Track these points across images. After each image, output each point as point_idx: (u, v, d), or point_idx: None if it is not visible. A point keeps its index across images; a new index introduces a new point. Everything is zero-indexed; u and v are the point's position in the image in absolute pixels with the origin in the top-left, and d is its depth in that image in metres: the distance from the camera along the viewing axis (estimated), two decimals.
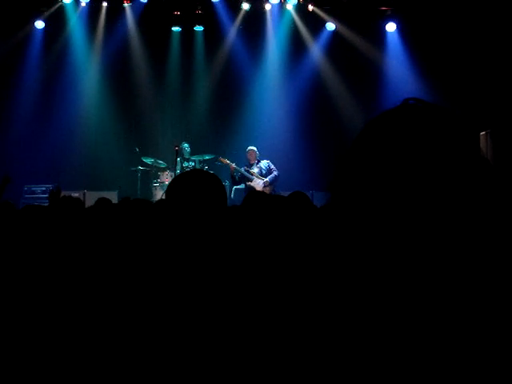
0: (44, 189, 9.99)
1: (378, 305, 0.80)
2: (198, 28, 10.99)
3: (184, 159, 9.71)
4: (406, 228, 0.78)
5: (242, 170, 9.22)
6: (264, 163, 9.30)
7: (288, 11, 10.90)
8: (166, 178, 9.56)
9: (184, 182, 1.79)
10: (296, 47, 11.03)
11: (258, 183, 9.02)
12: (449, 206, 0.77)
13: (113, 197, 8.85)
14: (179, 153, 9.64)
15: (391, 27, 10.71)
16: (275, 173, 9.23)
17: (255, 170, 9.23)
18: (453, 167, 0.78)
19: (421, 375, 0.76)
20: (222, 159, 9.26)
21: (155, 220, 2.92)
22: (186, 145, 9.78)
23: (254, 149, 9.30)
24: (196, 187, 1.75)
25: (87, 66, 10.99)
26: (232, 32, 11.02)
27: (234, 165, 9.16)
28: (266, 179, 9.13)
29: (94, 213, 3.55)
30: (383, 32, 10.82)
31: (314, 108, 10.92)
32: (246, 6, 10.72)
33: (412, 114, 0.83)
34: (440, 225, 0.77)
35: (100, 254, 2.49)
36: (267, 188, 8.96)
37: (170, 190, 1.79)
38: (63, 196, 4.00)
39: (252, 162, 9.28)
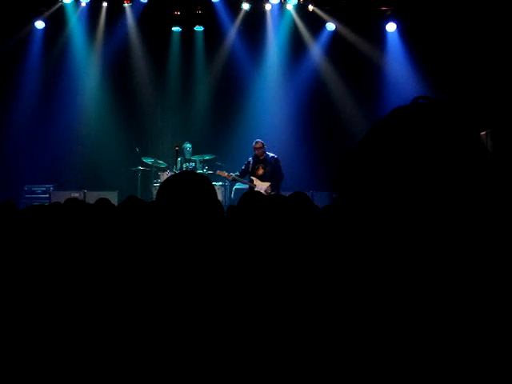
0: (44, 189, 10.00)
1: (380, 305, 0.80)
2: (198, 28, 10.99)
3: (185, 159, 9.72)
4: (416, 229, 0.78)
5: (240, 178, 9.16)
6: (271, 159, 9.07)
7: (288, 11, 10.90)
8: (166, 178, 9.53)
9: (174, 184, 1.80)
10: (296, 47, 11.02)
11: (260, 189, 8.86)
12: (459, 205, 0.77)
13: (113, 197, 8.86)
14: (181, 152, 9.64)
15: (391, 27, 10.71)
16: (279, 176, 9.05)
17: (260, 171, 9.09)
18: (464, 166, 0.78)
19: (421, 375, 0.76)
20: (219, 172, 9.15)
21: (147, 221, 2.93)
22: (188, 145, 9.78)
23: (260, 141, 9.05)
24: (186, 189, 1.77)
25: (87, 66, 10.99)
26: (232, 32, 11.02)
27: (232, 175, 9.13)
28: (268, 186, 8.97)
29: (93, 213, 3.55)
30: (383, 32, 10.81)
31: (314, 108, 10.91)
32: (246, 6, 10.72)
33: (422, 113, 0.83)
34: (448, 226, 0.77)
35: (99, 254, 2.50)
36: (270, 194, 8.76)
37: (160, 191, 1.81)
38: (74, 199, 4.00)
39: (261, 157, 9.04)
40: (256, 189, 8.79)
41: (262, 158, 9.05)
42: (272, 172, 9.00)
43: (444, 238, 0.77)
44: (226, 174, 9.11)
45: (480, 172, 0.78)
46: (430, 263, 0.77)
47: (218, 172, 9.18)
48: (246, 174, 9.16)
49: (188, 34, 11.10)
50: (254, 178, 9.04)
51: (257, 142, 9.06)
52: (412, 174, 0.78)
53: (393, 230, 0.79)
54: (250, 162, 9.12)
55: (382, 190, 0.80)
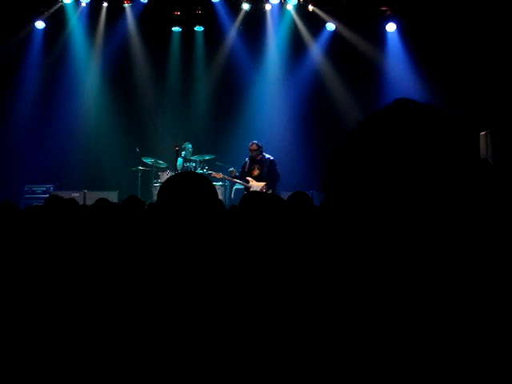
0: (44, 189, 10.00)
1: (375, 305, 0.80)
2: (199, 28, 11.00)
3: (185, 159, 9.73)
4: (397, 227, 0.78)
5: (234, 179, 9.21)
6: (267, 160, 9.12)
7: (288, 11, 10.90)
8: (166, 178, 9.52)
9: (174, 184, 1.81)
10: (296, 47, 11.03)
11: (256, 189, 8.92)
12: (438, 205, 0.77)
13: (113, 197, 8.86)
14: (181, 153, 9.65)
15: (391, 27, 10.72)
16: (275, 176, 9.10)
17: (256, 172, 9.13)
18: (442, 166, 0.78)
19: (421, 375, 0.76)
20: (215, 174, 9.18)
21: (148, 222, 2.93)
22: (189, 145, 9.80)
23: (255, 143, 9.08)
24: (186, 189, 1.77)
25: (87, 66, 10.99)
26: (232, 32, 11.02)
27: (227, 177, 9.20)
28: (263, 185, 8.99)
29: (92, 213, 3.56)
30: (383, 32, 10.82)
31: (314, 108, 10.92)
32: (246, 6, 10.72)
33: (402, 114, 0.84)
34: (431, 222, 0.77)
35: (100, 254, 2.50)
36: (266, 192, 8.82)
37: (161, 192, 1.81)
38: (55, 196, 4.01)
39: (257, 158, 9.06)
40: (252, 189, 8.85)
41: (258, 158, 9.08)
42: (268, 173, 9.06)
43: (433, 234, 0.77)
44: (222, 175, 9.15)
45: (461, 172, 0.79)
46: (423, 261, 0.78)
47: (213, 174, 9.20)
48: (243, 175, 9.21)
49: (188, 34, 11.10)
50: (249, 179, 9.08)
51: (252, 144, 9.09)
52: (392, 173, 0.79)
53: (381, 230, 0.79)
54: (246, 162, 9.19)
55: (366, 190, 0.80)
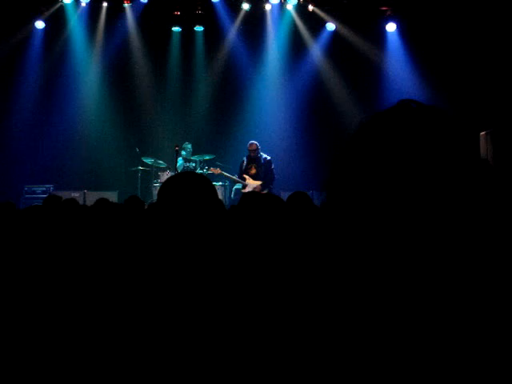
0: (44, 189, 10.00)
1: (375, 305, 0.80)
2: (198, 28, 11.01)
3: (185, 160, 9.74)
4: (399, 227, 0.78)
5: (235, 177, 9.28)
6: (264, 160, 9.24)
7: (288, 11, 10.90)
8: (166, 178, 9.54)
9: (175, 184, 1.81)
10: (296, 47, 11.03)
11: (252, 188, 9.01)
12: (440, 205, 0.77)
13: (113, 197, 8.87)
14: (181, 153, 9.66)
15: (391, 27, 10.72)
16: (271, 176, 9.20)
17: (253, 170, 9.21)
18: (445, 167, 0.78)
19: (420, 375, 0.76)
20: (213, 169, 9.30)
21: (148, 222, 2.93)
22: (188, 145, 9.82)
23: (255, 143, 9.22)
24: (186, 189, 1.78)
25: (87, 66, 10.99)
26: (232, 32, 11.03)
27: (226, 174, 9.28)
28: (259, 184, 9.08)
29: (92, 213, 3.56)
30: (383, 32, 10.82)
31: (313, 108, 10.92)
32: (246, 6, 10.72)
33: (406, 115, 0.84)
34: (433, 222, 0.77)
35: (100, 254, 2.50)
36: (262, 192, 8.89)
37: (161, 192, 1.81)
38: (52, 196, 4.02)
39: (255, 158, 9.21)
40: (248, 187, 9.01)
41: (255, 158, 9.19)
42: (264, 172, 9.17)
43: (434, 234, 0.77)
44: (219, 170, 9.26)
45: (468, 173, 0.79)
46: (422, 262, 0.78)
47: (211, 169, 9.34)
48: (240, 173, 9.35)
49: (188, 34, 11.10)
50: (246, 177, 9.18)
51: (251, 145, 9.25)
52: (395, 174, 0.79)
53: (381, 230, 0.79)
54: (243, 161, 9.34)
55: (368, 191, 0.80)
